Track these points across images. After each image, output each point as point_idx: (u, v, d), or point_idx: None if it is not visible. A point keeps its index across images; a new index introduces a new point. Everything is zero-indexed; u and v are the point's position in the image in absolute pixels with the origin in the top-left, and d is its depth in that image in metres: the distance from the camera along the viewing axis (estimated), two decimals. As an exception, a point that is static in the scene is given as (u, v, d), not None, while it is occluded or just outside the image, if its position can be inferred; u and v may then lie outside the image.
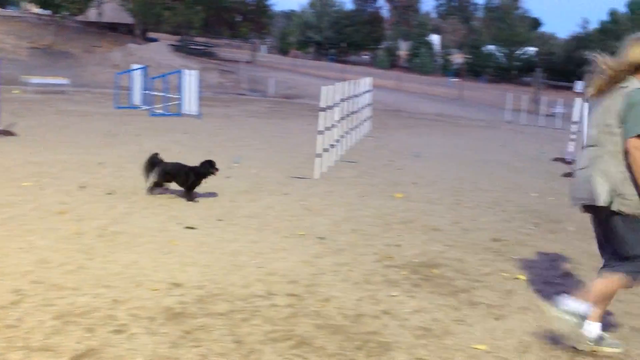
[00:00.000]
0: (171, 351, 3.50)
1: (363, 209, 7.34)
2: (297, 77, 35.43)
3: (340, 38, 71.50)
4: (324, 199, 7.66)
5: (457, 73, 58.50)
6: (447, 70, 62.32)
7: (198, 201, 7.08)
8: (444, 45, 72.83)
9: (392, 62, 68.06)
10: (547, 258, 5.91)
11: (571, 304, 3.81)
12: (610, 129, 3.72)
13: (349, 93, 11.49)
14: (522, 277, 5.27)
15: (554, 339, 3.97)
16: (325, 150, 9.50)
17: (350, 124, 12.20)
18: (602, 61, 3.88)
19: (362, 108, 13.94)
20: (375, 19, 74.35)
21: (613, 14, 54.24)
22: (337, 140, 10.60)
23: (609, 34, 52.31)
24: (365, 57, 77.13)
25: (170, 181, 7.27)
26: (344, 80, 12.06)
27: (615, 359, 3.84)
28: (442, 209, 7.69)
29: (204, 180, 7.27)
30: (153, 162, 7.23)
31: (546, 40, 70.99)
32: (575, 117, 12.69)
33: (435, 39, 72.37)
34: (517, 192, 9.08)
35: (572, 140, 12.67)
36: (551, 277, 5.35)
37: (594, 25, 62.49)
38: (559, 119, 22.04)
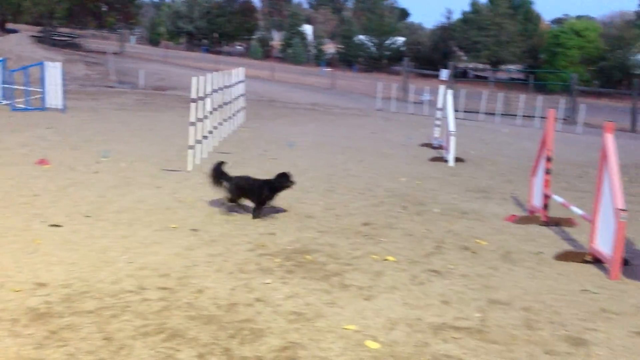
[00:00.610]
0: (36, 352, 3.38)
1: (237, 199, 7.33)
2: (169, 69, 34.67)
3: (212, 28, 70.54)
4: (197, 191, 7.58)
5: (329, 63, 59.38)
6: (320, 60, 63.08)
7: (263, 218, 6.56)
8: (316, 36, 73.61)
9: (265, 53, 68.01)
10: (413, 239, 6.17)
11: None
12: None
13: (221, 84, 11.40)
14: (391, 259, 5.48)
15: (420, 316, 4.18)
16: (198, 142, 9.39)
17: (224, 115, 12.12)
18: None
19: (236, 99, 13.87)
20: (248, 9, 73.92)
21: (474, 4, 56.85)
22: (210, 132, 10.50)
23: (471, 24, 54.90)
24: (240, 47, 76.60)
25: (242, 197, 6.72)
26: (218, 71, 11.95)
27: (472, 329, 4.08)
28: (316, 196, 7.82)
29: (278, 195, 6.72)
30: (220, 173, 6.69)
31: (414, 30, 73.41)
32: (439, 104, 13.26)
33: (307, 29, 73.00)
34: (386, 178, 9.39)
35: (437, 126, 13.24)
36: (418, 257, 5.59)
37: (457, 15, 65.38)
38: (426, 106, 22.90)
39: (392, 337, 3.89)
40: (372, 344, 3.76)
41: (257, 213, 6.59)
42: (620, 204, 5.37)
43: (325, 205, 7.33)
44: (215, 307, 4.15)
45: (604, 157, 5.87)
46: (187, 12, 70.75)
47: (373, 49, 62.13)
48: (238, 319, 3.98)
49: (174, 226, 6.01)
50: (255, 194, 6.61)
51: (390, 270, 5.16)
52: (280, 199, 7.07)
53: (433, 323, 4.13)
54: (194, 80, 9.05)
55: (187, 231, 5.88)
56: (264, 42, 71.34)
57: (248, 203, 6.74)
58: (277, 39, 74.65)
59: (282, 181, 6.64)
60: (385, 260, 5.43)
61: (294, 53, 65.07)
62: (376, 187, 8.60)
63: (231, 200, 6.73)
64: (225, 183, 6.69)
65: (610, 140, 5.87)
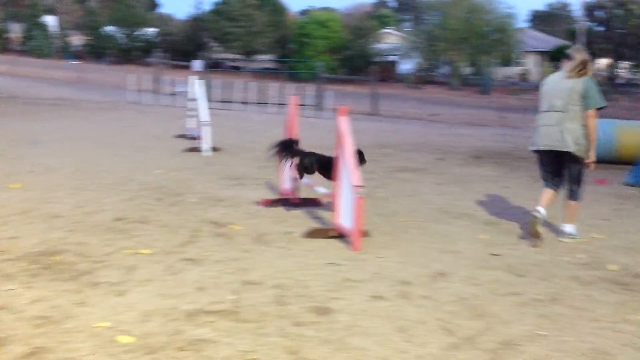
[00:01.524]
0: None
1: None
2: None
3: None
4: None
5: (77, 55, 56.31)
6: (66, 52, 59.52)
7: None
8: (62, 27, 69.30)
9: (3, 46, 62.55)
10: (169, 230, 6.15)
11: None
12: (574, 102, 6.08)
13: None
14: (145, 252, 5.41)
15: (175, 305, 4.20)
16: None
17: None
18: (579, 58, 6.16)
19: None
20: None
21: (224, -4, 57.51)
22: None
23: (222, 15, 55.37)
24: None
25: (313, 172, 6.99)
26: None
27: (226, 312, 4.20)
28: (64, 194, 7.44)
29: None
30: (291, 147, 7.07)
31: (165, 21, 72.24)
32: (190, 94, 13.26)
33: (51, 20, 68.38)
34: (140, 171, 9.21)
35: (191, 116, 13.24)
36: (173, 247, 5.58)
37: (208, 6, 65.39)
38: (181, 98, 22.75)
39: (146, 329, 3.86)
40: (125, 339, 3.70)
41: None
42: (357, 181, 5.83)
43: (74, 204, 7.01)
44: (-52, 322, 3.80)
45: (339, 138, 6.32)
46: None
47: (123, 40, 60.02)
48: (-25, 332, 3.69)
49: None
50: (330, 169, 6.63)
51: (145, 263, 5.10)
52: (27, 201, 6.65)
53: (188, 310, 4.18)
54: None
55: None
56: (1, 35, 65.53)
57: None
58: (16, 31, 68.92)
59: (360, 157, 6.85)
60: (139, 253, 5.36)
61: (37, 46, 60.67)
62: (130, 181, 8.41)
63: (308, 172, 7.05)
64: (301, 157, 7.08)
65: (344, 122, 6.34)
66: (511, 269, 5.42)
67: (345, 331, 3.99)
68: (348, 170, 6.00)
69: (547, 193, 6.36)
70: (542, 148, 6.35)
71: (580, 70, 6.18)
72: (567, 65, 6.26)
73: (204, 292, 4.52)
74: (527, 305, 4.59)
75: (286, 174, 7.76)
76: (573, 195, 6.37)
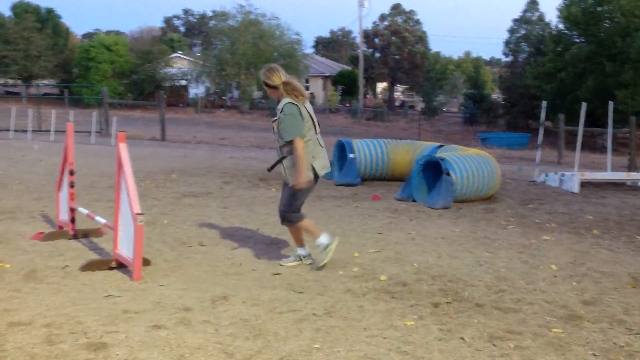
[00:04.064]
0: None
1: None
2: None
3: None
4: None
5: None
6: None
7: None
8: None
9: None
10: None
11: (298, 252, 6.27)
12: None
13: None
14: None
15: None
16: None
17: None
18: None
19: None
20: None
21: (-2, 17, 53.46)
22: None
23: (-4, 38, 51.37)
24: None
25: None
26: None
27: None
28: None
29: None
30: None
31: None
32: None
33: None
34: None
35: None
36: None
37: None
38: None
39: None
40: None
41: None
42: (137, 209, 5.70)
43: None
44: None
45: (119, 165, 6.16)
46: None
47: None
48: None
49: None
50: None
51: None
52: None
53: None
54: None
55: None
56: None
57: None
58: None
59: None
60: None
61: None
62: None
63: None
64: None
65: (123, 149, 6.19)
66: (291, 287, 5.60)
67: (120, 365, 3.88)
68: (129, 197, 5.85)
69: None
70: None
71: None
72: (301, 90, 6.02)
73: (-38, 340, 4.15)
74: (304, 320, 4.77)
75: (64, 205, 7.38)
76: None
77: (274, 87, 5.98)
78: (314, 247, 6.26)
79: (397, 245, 7.26)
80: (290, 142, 5.85)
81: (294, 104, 5.86)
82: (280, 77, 5.95)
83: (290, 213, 6.18)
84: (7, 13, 54.06)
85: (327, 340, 4.39)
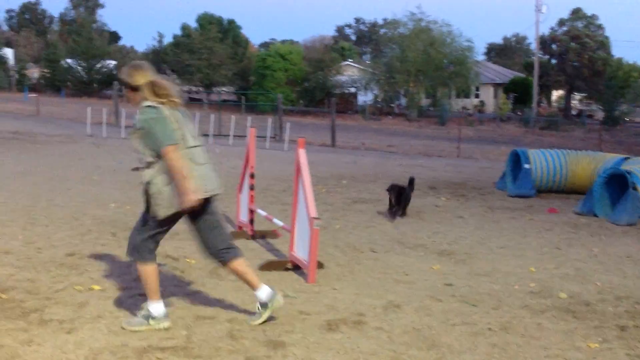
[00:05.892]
0: None
1: None
2: None
3: None
4: None
5: (33, 88, 55.59)
6: (23, 85, 58.70)
7: None
8: (18, 59, 68.47)
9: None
10: (122, 265, 6.06)
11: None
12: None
13: None
14: (97, 287, 5.33)
15: (125, 342, 4.14)
16: None
17: None
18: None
19: None
20: None
21: (184, 28, 57.41)
22: None
23: (182, 47, 55.33)
24: None
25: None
26: None
27: (178, 347, 4.15)
28: (15, 230, 7.30)
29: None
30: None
31: (125, 53, 71.90)
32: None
33: (8, 52, 67.52)
34: (95, 205, 9.08)
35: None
36: (126, 283, 5.51)
37: (168, 39, 65.04)
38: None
39: (94, 367, 3.80)
40: (72, 377, 3.63)
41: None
42: (314, 213, 5.85)
43: (25, 239, 6.87)
44: None
45: (298, 170, 6.35)
46: None
47: (82, 73, 59.46)
48: None
49: None
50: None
51: (95, 300, 5.03)
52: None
53: (138, 347, 4.12)
54: None
55: None
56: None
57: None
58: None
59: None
60: (91, 289, 5.27)
61: (-7, 79, 59.75)
62: (83, 216, 8.28)
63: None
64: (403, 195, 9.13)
65: (302, 154, 6.37)
66: (464, 299, 5.47)
67: (297, 365, 3.98)
68: (306, 201, 6.02)
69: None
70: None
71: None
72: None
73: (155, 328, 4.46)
74: (479, 334, 4.64)
75: (244, 207, 7.75)
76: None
77: (136, 89, 4.48)
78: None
79: (578, 262, 6.87)
80: (159, 156, 4.44)
81: (154, 107, 4.42)
82: (146, 76, 4.48)
83: (139, 243, 4.76)
84: (193, 24, 57.92)
85: (503, 357, 4.24)
